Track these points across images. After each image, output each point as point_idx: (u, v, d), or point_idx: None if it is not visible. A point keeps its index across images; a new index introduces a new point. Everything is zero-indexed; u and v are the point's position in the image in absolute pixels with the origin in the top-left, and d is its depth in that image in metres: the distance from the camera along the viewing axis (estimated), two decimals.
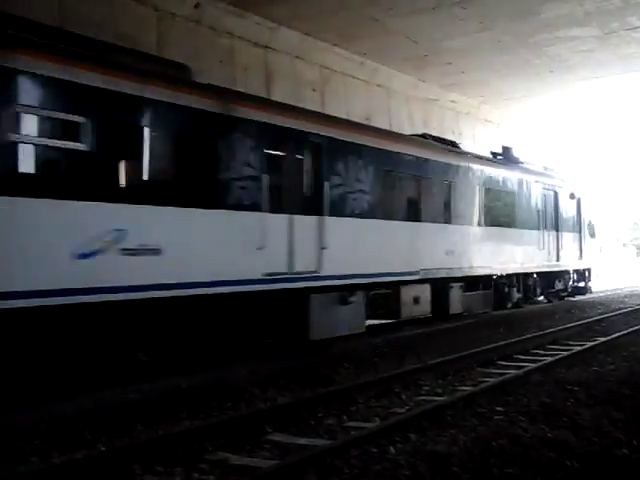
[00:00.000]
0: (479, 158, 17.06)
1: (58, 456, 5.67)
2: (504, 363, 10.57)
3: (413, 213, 13.85)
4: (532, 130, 29.37)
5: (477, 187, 16.00)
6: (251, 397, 7.88)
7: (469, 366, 10.11)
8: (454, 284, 15.04)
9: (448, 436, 6.29)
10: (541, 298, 20.92)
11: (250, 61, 15.66)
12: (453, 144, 16.52)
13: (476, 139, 24.40)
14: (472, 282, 15.92)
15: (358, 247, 11.87)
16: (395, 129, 15.70)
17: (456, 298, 15.19)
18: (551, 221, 19.86)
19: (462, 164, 15.53)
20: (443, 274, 14.39)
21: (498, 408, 7.36)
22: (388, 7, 15.36)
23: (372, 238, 12.26)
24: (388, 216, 12.85)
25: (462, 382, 9.06)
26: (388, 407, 7.65)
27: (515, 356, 11.15)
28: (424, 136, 15.81)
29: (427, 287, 14.04)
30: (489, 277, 16.67)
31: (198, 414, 7.10)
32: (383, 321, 14.40)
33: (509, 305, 17.92)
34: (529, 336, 12.93)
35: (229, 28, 15.01)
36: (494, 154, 19.02)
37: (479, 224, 16.02)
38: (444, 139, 16.41)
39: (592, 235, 23.54)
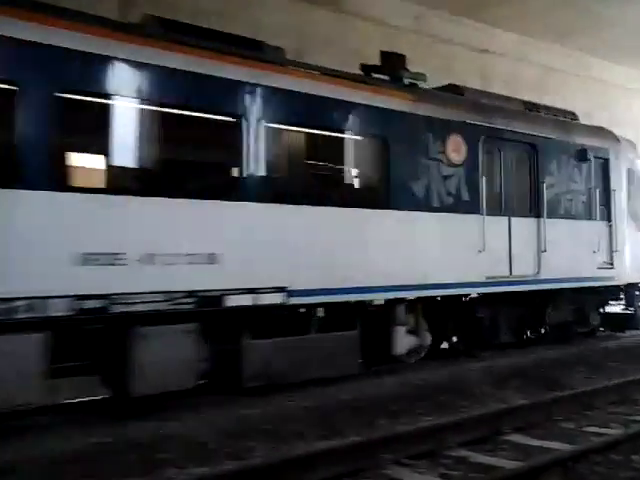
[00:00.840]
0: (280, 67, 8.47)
1: (317, 439, 6.25)
2: None
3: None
4: None
5: (258, 124, 7.95)
6: (484, 397, 8.05)
7: None
8: (148, 329, 7.00)
9: None
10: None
11: (467, 65, 15.83)
12: (255, 46, 8.45)
13: None
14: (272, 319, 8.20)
15: None
16: (613, 124, 14.42)
17: (152, 360, 6.97)
18: (521, 200, 11.16)
19: (204, 72, 7.56)
20: (68, 309, 6.39)
21: None
22: None
23: None
24: None
25: None
26: (628, 414, 7.50)
27: None
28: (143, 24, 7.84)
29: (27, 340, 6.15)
30: (344, 307, 8.81)
31: (433, 411, 7.39)
32: None
33: (413, 360, 10.09)
34: None
35: (447, 35, 15.36)
36: (366, 68, 10.30)
37: (259, 199, 7.93)
38: (212, 30, 8.32)
39: None
